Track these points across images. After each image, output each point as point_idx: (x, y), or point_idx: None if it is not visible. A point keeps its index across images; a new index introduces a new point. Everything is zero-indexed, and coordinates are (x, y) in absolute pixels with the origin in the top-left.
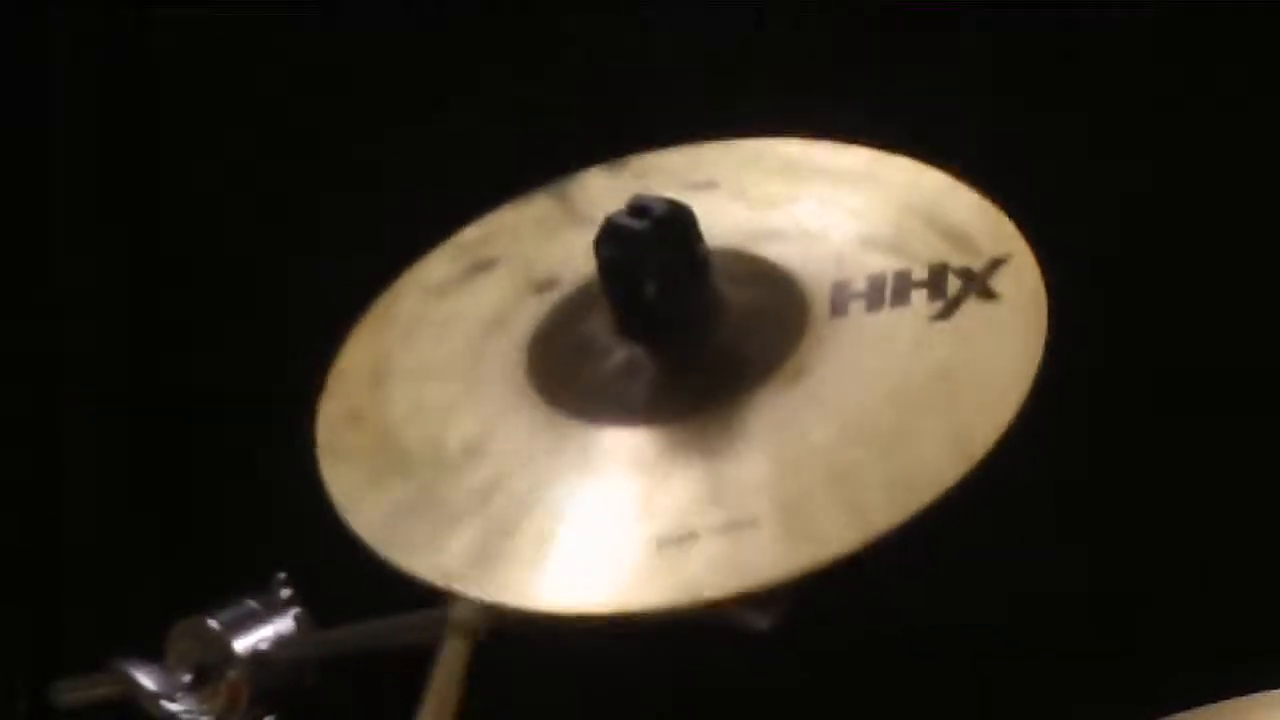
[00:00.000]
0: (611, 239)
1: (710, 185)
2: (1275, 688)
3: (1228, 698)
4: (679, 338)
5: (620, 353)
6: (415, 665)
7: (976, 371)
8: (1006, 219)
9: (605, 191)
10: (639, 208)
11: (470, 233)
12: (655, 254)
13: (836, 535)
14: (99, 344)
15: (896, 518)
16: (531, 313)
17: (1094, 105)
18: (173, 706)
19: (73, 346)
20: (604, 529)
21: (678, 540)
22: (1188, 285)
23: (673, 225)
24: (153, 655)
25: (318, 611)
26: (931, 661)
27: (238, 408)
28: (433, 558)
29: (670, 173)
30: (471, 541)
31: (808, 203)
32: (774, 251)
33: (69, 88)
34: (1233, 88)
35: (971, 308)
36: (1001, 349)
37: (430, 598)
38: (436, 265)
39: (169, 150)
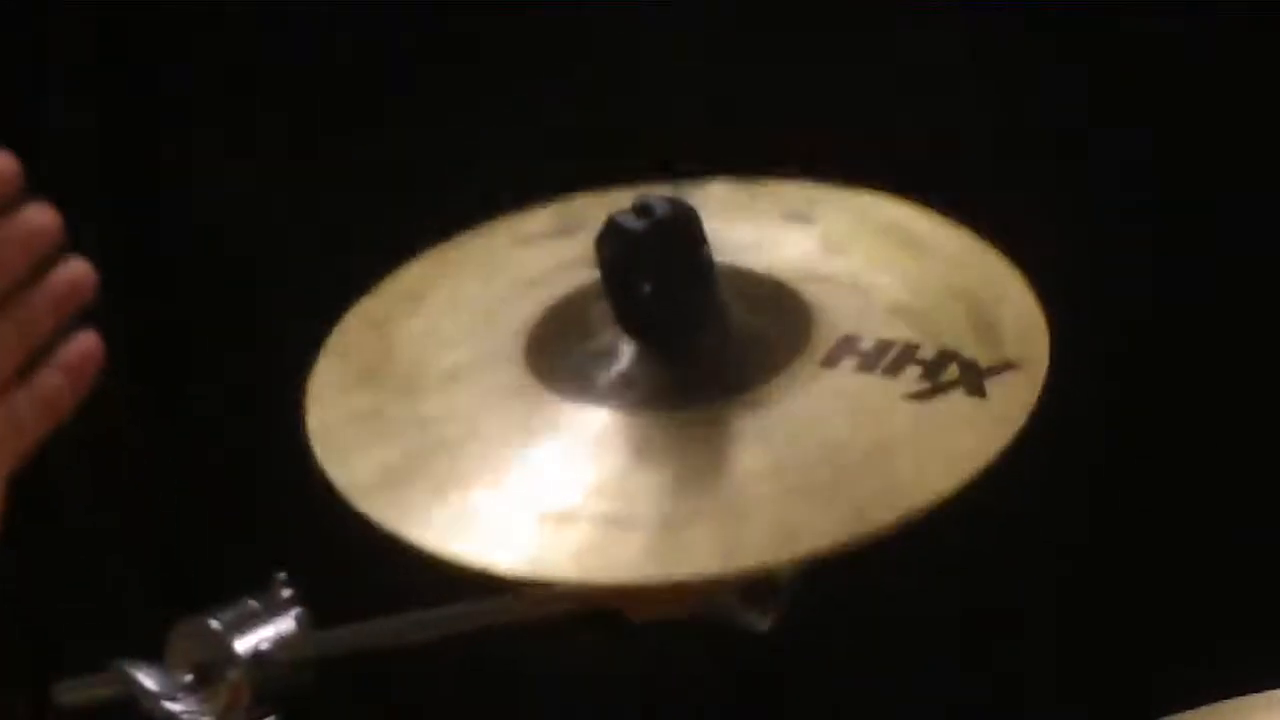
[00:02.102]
0: (611, 237)
1: (805, 219)
2: (1275, 688)
3: (1228, 698)
4: (664, 336)
5: (603, 336)
6: (415, 665)
7: (916, 456)
8: (1046, 331)
9: (719, 198)
10: (642, 207)
11: (583, 199)
12: (654, 254)
13: (701, 559)
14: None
15: (764, 561)
16: (568, 282)
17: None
18: (173, 707)
19: None
20: (505, 487)
21: (558, 517)
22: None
23: (674, 226)
24: (153, 655)
25: (318, 611)
26: (930, 661)
27: (238, 407)
28: (350, 467)
29: (781, 196)
30: (391, 461)
31: (876, 262)
32: (810, 290)
33: (69, 89)
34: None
35: (953, 399)
36: (953, 445)
37: (431, 598)
38: (535, 219)
39: (169, 149)
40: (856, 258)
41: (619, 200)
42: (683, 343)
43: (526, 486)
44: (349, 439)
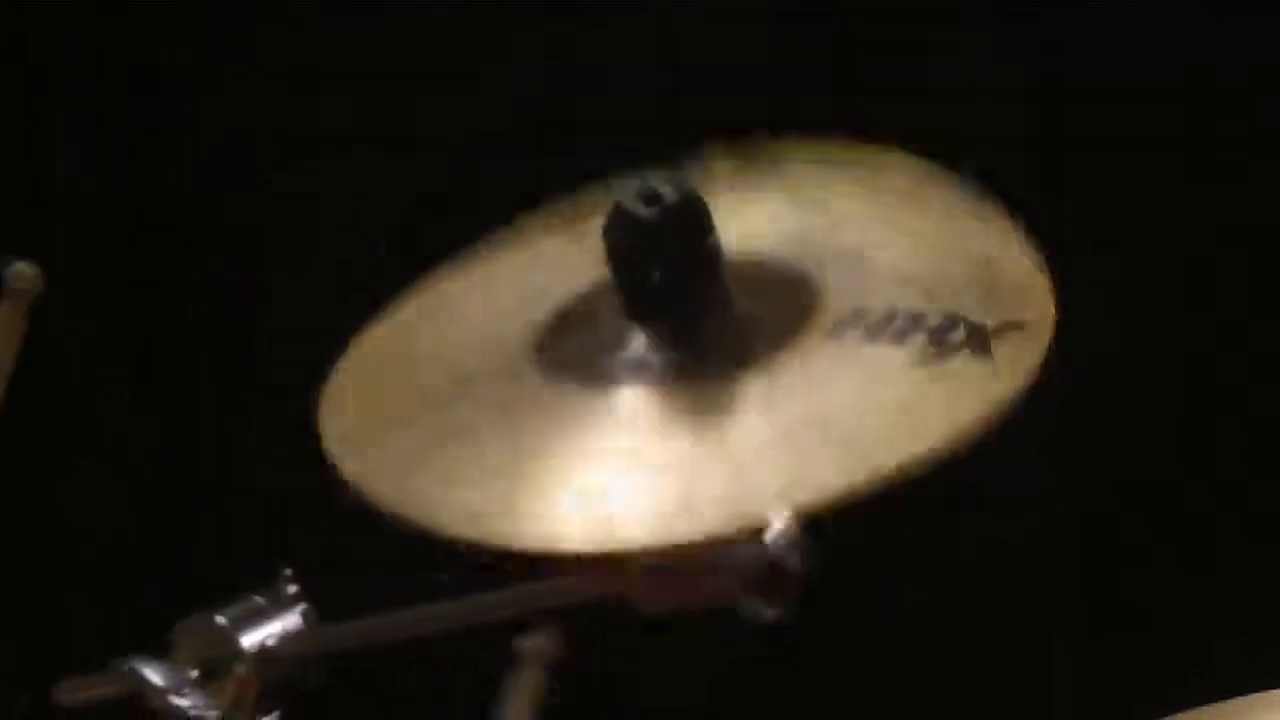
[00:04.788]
0: (620, 225)
1: (808, 188)
2: (1275, 688)
3: (1228, 698)
4: (672, 322)
5: (612, 328)
6: (418, 662)
7: (918, 414)
8: (1047, 287)
9: (723, 171)
10: (650, 194)
11: (587, 196)
12: (662, 242)
13: (710, 519)
14: (100, 344)
15: (770, 516)
16: (576, 281)
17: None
18: (180, 702)
19: (74, 346)
20: (522, 466)
21: (566, 490)
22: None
23: (683, 214)
24: (153, 655)
25: (324, 608)
26: (931, 661)
27: (239, 407)
28: (364, 453)
29: (787, 163)
30: (405, 448)
31: (878, 227)
32: (816, 265)
33: (69, 88)
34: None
35: (958, 361)
36: (955, 404)
37: (432, 596)
38: (539, 221)
39: (169, 148)
40: (861, 227)
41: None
42: (691, 328)
43: (539, 465)
44: (363, 437)
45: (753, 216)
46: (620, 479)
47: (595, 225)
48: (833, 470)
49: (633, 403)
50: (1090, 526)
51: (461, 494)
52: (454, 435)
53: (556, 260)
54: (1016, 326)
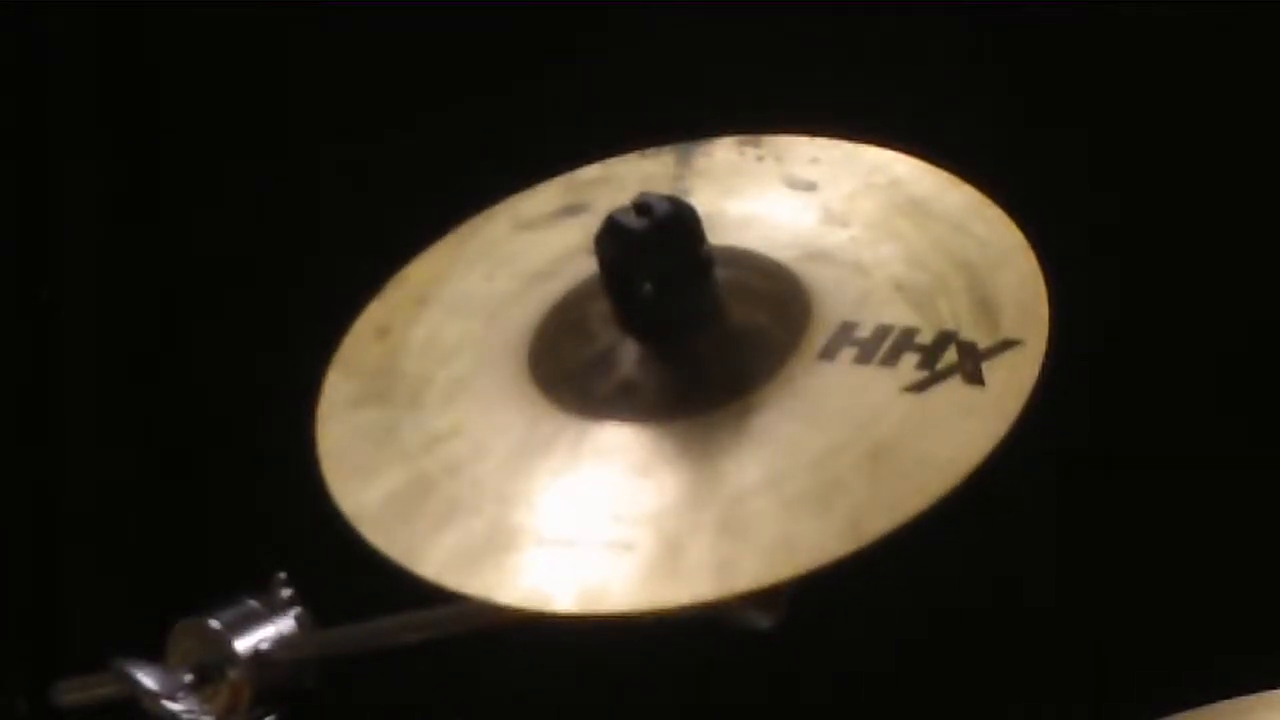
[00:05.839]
0: (611, 237)
1: (809, 187)
2: (1275, 688)
3: (1228, 698)
4: (663, 336)
5: (604, 338)
6: (417, 665)
7: (913, 457)
8: (1045, 301)
9: (726, 161)
10: (642, 206)
11: (587, 172)
12: (654, 254)
13: (697, 584)
14: (99, 343)
15: (759, 583)
16: (574, 273)
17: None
18: (174, 706)
19: (73, 346)
20: (506, 515)
21: (555, 543)
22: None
23: (674, 226)
24: (153, 655)
25: (318, 611)
26: (928, 660)
27: (238, 407)
28: (356, 493)
29: (789, 160)
30: (395, 488)
31: (877, 232)
32: (809, 271)
33: (69, 87)
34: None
35: (950, 388)
36: (950, 441)
37: (430, 597)
38: (539, 198)
39: (169, 149)
40: (857, 228)
41: (623, 169)
42: (682, 342)
43: (527, 512)
44: (357, 463)
45: (747, 214)
46: (599, 533)
47: (596, 215)
48: (825, 533)
49: (618, 441)
50: (1089, 524)
51: (442, 540)
52: (442, 469)
53: (559, 249)
54: (1010, 345)
